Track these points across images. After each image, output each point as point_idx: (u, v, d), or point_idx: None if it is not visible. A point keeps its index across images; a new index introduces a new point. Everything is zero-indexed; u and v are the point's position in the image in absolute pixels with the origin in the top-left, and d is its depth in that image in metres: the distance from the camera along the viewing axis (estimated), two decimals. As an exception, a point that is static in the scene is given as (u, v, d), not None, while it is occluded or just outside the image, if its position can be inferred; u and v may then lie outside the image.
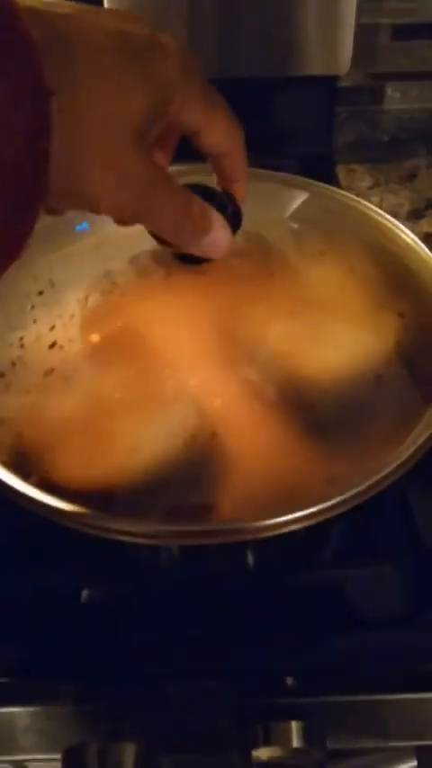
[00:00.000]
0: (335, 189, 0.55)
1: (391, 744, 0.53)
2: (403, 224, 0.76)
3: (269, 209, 0.55)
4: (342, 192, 0.55)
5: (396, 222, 0.51)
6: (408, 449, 0.37)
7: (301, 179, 0.57)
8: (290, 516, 0.35)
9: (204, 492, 0.43)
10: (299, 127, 0.80)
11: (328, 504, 0.36)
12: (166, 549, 0.40)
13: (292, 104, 0.79)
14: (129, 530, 0.34)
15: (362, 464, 0.44)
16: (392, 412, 0.47)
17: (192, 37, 0.70)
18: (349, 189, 0.81)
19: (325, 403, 0.46)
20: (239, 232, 0.42)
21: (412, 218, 0.78)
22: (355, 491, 0.36)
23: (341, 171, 0.84)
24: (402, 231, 0.50)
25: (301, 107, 0.80)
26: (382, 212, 0.52)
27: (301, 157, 0.77)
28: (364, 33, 0.82)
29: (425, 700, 0.45)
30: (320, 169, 0.79)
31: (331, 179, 0.81)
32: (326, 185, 0.55)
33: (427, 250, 0.48)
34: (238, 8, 0.69)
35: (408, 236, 0.50)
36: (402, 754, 0.55)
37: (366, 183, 0.83)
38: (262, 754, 0.42)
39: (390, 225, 0.51)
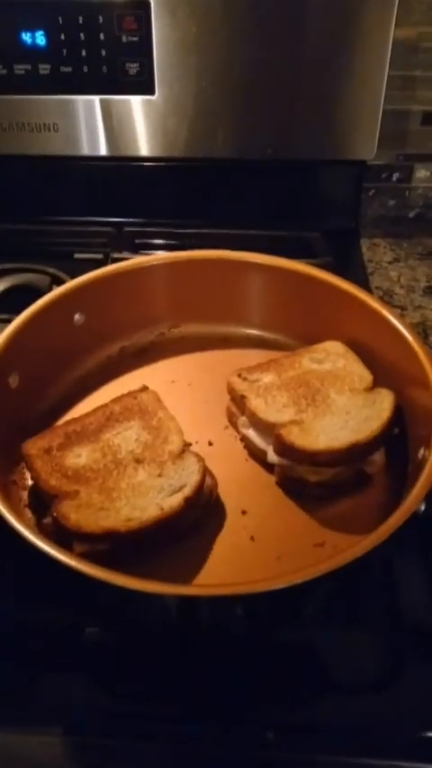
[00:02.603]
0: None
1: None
2: (419, 300, 0.81)
3: None
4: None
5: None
6: (388, 522, 0.40)
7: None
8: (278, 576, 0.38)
9: (200, 544, 0.46)
10: (326, 202, 0.86)
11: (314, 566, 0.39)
12: (163, 599, 0.43)
13: (321, 182, 0.85)
14: (131, 585, 0.37)
15: (349, 532, 0.47)
16: (382, 485, 0.50)
17: (218, 120, 0.76)
18: (370, 262, 0.85)
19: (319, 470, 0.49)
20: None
21: (428, 293, 0.81)
22: (339, 556, 0.39)
23: (365, 244, 0.88)
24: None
25: (330, 185, 0.85)
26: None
27: (326, 231, 0.82)
28: (396, 118, 0.88)
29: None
30: (344, 242, 0.84)
31: (354, 252, 0.85)
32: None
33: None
34: (265, 95, 0.76)
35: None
36: None
37: (387, 257, 0.87)
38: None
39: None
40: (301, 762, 0.46)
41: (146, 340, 0.63)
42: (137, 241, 0.79)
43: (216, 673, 0.44)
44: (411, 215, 0.95)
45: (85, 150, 0.79)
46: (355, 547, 0.38)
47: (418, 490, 0.41)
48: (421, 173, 0.94)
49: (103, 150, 0.79)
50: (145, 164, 0.81)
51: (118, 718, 0.44)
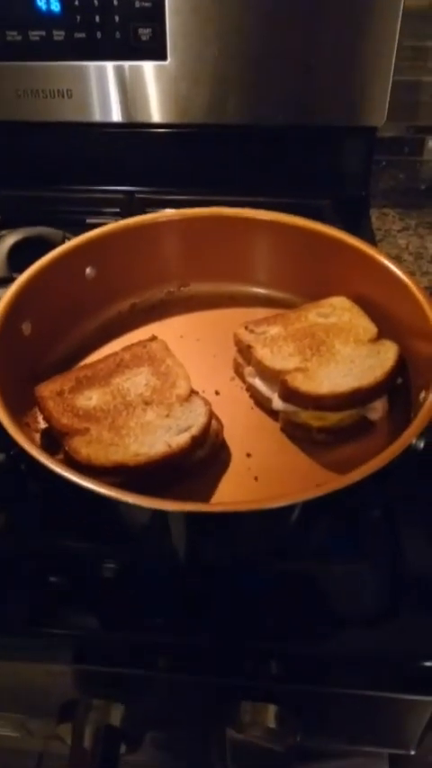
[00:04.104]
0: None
1: (365, 749, 0.56)
2: (426, 266, 0.81)
3: None
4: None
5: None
6: (386, 451, 0.41)
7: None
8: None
9: (206, 483, 0.48)
10: (337, 170, 0.86)
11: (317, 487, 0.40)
12: (171, 533, 0.44)
13: (332, 149, 0.85)
14: (143, 503, 0.39)
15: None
16: (384, 432, 0.51)
17: (231, 86, 0.77)
18: (379, 230, 0.86)
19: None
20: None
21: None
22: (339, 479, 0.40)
23: (374, 214, 0.89)
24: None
25: (341, 152, 0.86)
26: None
27: (336, 199, 0.83)
28: (408, 89, 0.88)
29: (395, 700, 0.47)
30: (354, 210, 0.85)
31: (364, 220, 0.86)
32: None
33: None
34: (277, 61, 0.77)
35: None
36: (376, 762, 0.57)
37: (396, 226, 0.88)
38: (237, 729, 0.45)
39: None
40: (303, 691, 0.48)
41: (156, 298, 0.64)
42: (148, 208, 0.81)
43: (221, 605, 0.46)
44: (422, 187, 0.95)
45: (98, 116, 0.81)
46: (352, 472, 0.39)
47: (416, 423, 0.42)
48: (432, 145, 0.95)
49: (115, 116, 0.81)
50: (157, 130, 0.82)
51: (126, 648, 0.46)
